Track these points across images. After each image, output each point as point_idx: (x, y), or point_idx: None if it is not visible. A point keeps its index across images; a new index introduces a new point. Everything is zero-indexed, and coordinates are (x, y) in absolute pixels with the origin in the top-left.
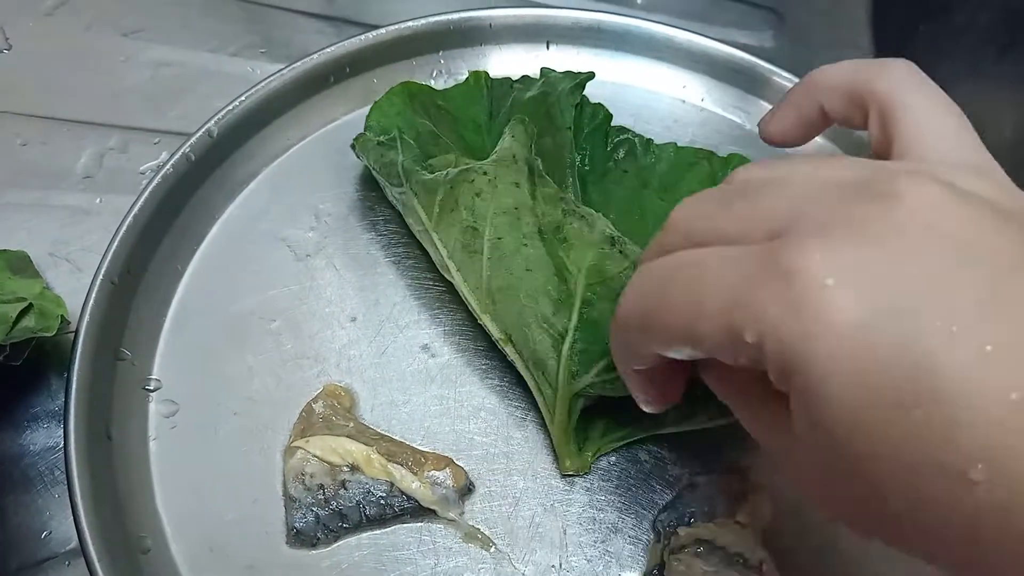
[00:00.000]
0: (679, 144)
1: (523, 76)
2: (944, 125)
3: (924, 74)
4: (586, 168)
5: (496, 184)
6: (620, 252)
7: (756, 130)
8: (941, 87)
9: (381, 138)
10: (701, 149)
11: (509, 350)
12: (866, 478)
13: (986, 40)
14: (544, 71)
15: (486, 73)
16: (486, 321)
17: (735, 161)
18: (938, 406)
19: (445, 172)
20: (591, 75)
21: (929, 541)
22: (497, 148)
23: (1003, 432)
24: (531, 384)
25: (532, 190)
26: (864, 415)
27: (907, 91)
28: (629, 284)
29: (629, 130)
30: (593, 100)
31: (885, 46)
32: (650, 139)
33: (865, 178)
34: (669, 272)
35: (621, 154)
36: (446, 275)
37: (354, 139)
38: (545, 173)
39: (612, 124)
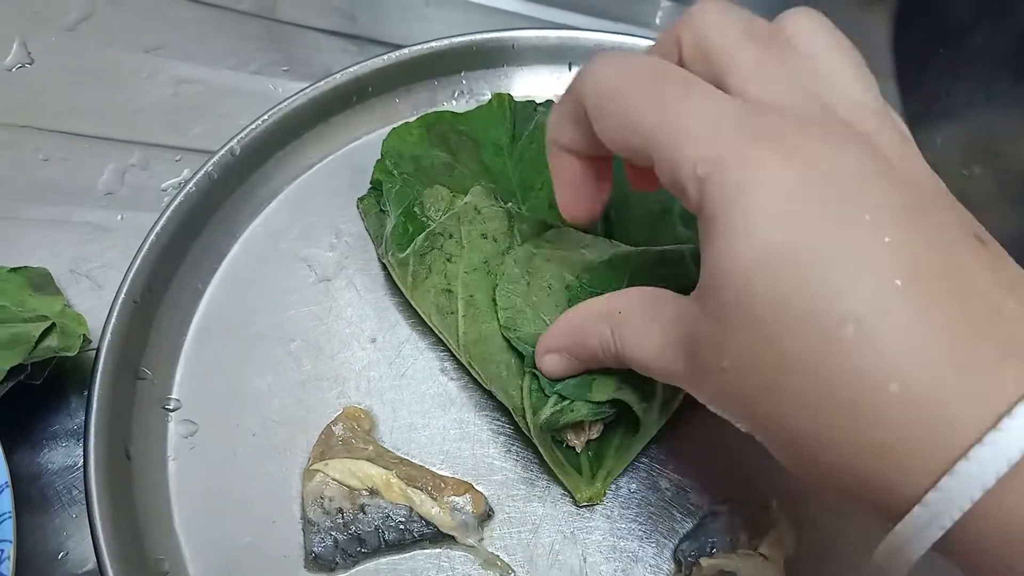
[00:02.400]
0: None
1: (547, 100)
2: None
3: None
4: None
5: (463, 244)
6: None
7: None
8: (959, 110)
9: (389, 164)
10: None
11: (498, 396)
12: (766, 325)
13: (1003, 64)
14: None
15: (510, 95)
16: (473, 371)
17: None
18: (824, 269)
19: (412, 244)
20: None
21: (796, 406)
22: (456, 207)
23: (882, 305)
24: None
25: (509, 230)
26: (765, 266)
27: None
28: (610, 63)
29: None
30: None
31: (906, 70)
32: None
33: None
34: (663, 76)
35: None
36: None
37: (358, 199)
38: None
39: None
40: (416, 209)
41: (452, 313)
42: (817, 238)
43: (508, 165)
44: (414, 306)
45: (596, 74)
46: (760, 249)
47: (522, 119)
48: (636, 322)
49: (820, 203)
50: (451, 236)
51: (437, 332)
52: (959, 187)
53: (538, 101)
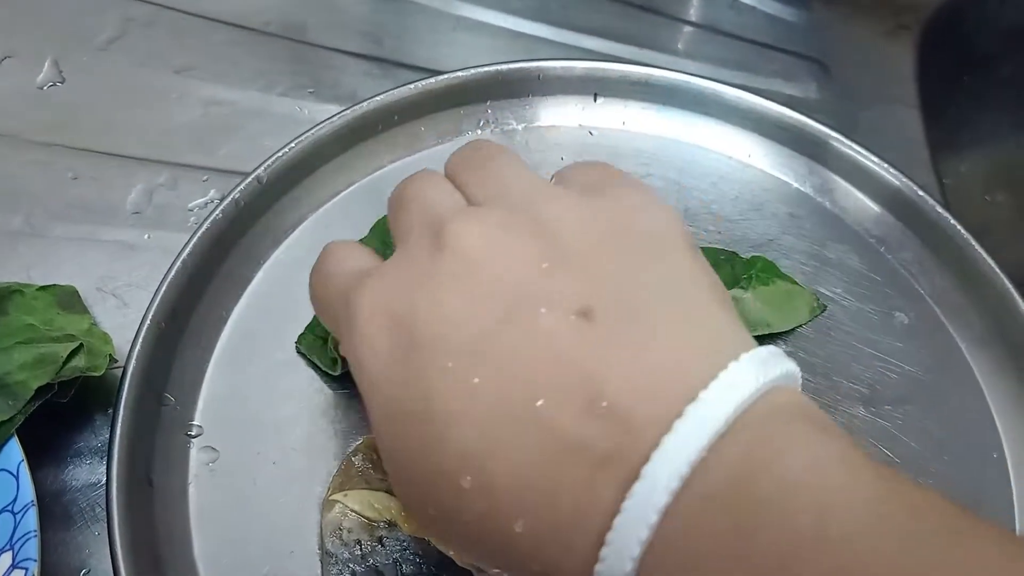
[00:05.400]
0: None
1: None
2: None
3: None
4: None
5: None
6: None
7: (802, 188)
8: (984, 138)
9: None
10: (723, 250)
11: None
12: (405, 485)
13: None
14: None
15: None
16: None
17: (758, 264)
18: (433, 425)
19: None
20: None
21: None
22: None
23: (485, 451)
24: None
25: None
26: (389, 427)
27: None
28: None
29: None
30: (639, 154)
31: (930, 98)
32: None
33: (438, 217)
34: None
35: None
36: None
37: (297, 341)
38: None
39: None
40: None
41: None
42: (414, 394)
43: None
44: None
45: None
46: (382, 414)
47: None
48: None
49: (401, 353)
50: None
51: None
52: (982, 214)
53: None
